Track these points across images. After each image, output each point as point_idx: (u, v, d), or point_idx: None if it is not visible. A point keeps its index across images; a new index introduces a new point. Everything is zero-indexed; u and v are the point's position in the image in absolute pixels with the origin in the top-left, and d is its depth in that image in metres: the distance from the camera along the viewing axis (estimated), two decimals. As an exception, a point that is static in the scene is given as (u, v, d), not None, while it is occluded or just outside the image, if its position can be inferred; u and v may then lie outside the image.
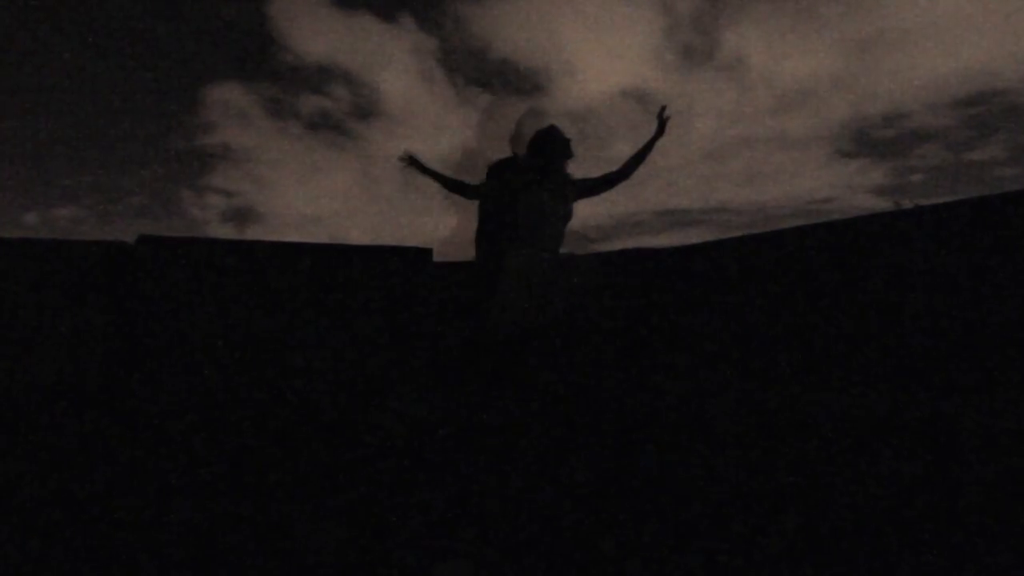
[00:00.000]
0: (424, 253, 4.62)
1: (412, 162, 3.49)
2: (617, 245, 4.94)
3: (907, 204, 3.22)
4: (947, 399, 3.08)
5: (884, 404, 3.29)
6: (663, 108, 3.66)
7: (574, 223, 3.68)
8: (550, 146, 3.49)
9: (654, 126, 3.67)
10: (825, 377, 3.55)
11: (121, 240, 4.03)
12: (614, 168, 3.67)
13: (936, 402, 3.10)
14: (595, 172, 3.72)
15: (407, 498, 2.52)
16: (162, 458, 2.85)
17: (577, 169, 3.76)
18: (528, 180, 3.47)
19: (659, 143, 3.67)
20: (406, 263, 4.49)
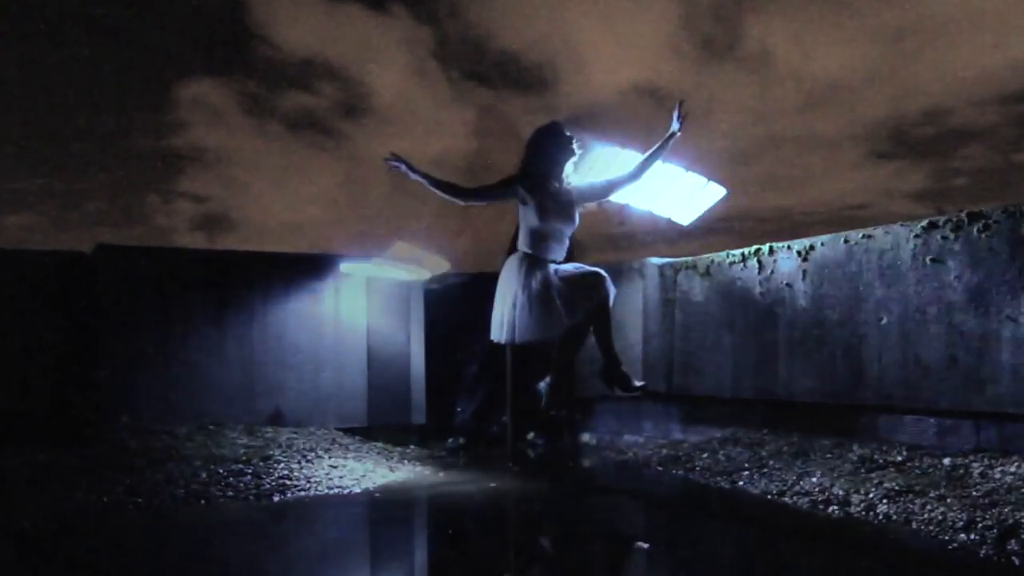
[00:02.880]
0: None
1: (399, 163, 3.52)
2: (629, 255, 4.96)
3: (950, 209, 3.26)
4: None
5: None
6: (680, 103, 3.69)
7: (580, 230, 3.71)
8: (552, 145, 3.51)
9: (670, 123, 3.71)
10: (859, 403, 3.57)
11: (77, 249, 4.07)
12: (624, 170, 3.70)
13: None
14: (603, 175, 3.75)
15: (396, 534, 2.54)
16: (123, 490, 2.86)
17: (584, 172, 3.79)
18: (529, 184, 3.49)
19: (674, 142, 3.70)
20: (395, 274, 4.52)
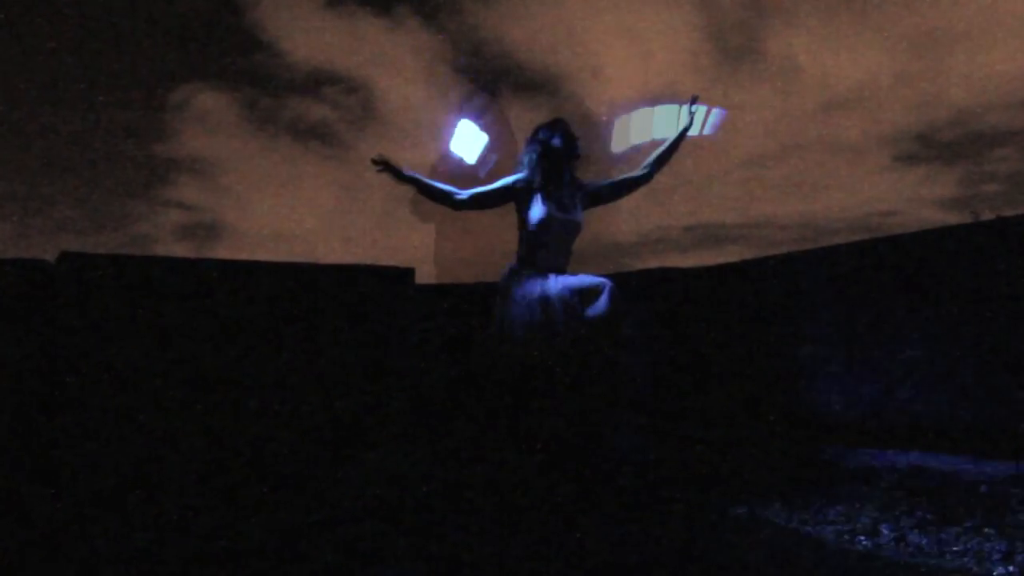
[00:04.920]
0: (406, 274, 4.66)
1: (387, 166, 3.54)
2: (639, 264, 4.99)
3: (987, 215, 3.29)
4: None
5: (966, 460, 3.31)
6: (694, 98, 3.74)
7: (585, 236, 3.73)
8: (555, 144, 3.54)
9: (683, 119, 3.75)
10: (889, 425, 3.57)
11: (40, 258, 4.07)
12: (634, 170, 3.72)
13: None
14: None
15: (384, 570, 2.54)
16: (89, 521, 2.88)
17: (589, 176, 3.82)
18: (530, 186, 3.51)
19: (687, 139, 3.74)
20: (384, 285, 4.54)
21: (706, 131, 3.78)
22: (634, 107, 4.02)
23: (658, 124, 3.96)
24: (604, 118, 3.97)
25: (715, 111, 3.83)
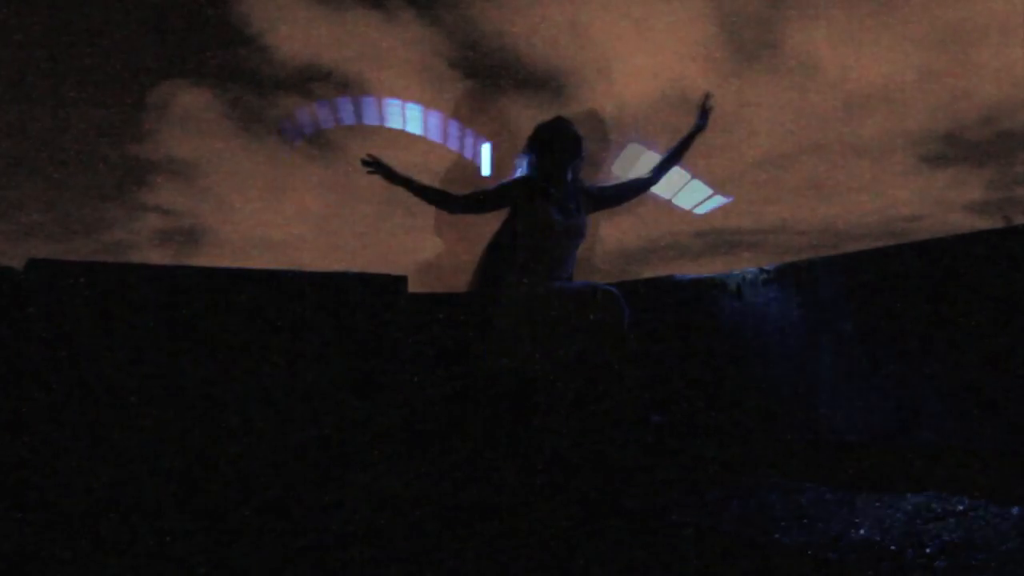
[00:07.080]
0: (398, 282, 4.67)
1: (379, 167, 3.55)
2: (647, 272, 5.00)
3: (1020, 219, 3.29)
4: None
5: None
6: (707, 96, 3.76)
7: (591, 242, 3.74)
8: (557, 144, 3.55)
9: (695, 118, 3.78)
10: (915, 445, 3.58)
11: (6, 265, 4.08)
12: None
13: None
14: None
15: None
16: (58, 549, 2.87)
17: (595, 178, 3.84)
18: (530, 189, 3.53)
19: (699, 138, 3.77)
20: (375, 294, 4.55)
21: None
22: (638, 107, 4.06)
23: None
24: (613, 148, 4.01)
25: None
